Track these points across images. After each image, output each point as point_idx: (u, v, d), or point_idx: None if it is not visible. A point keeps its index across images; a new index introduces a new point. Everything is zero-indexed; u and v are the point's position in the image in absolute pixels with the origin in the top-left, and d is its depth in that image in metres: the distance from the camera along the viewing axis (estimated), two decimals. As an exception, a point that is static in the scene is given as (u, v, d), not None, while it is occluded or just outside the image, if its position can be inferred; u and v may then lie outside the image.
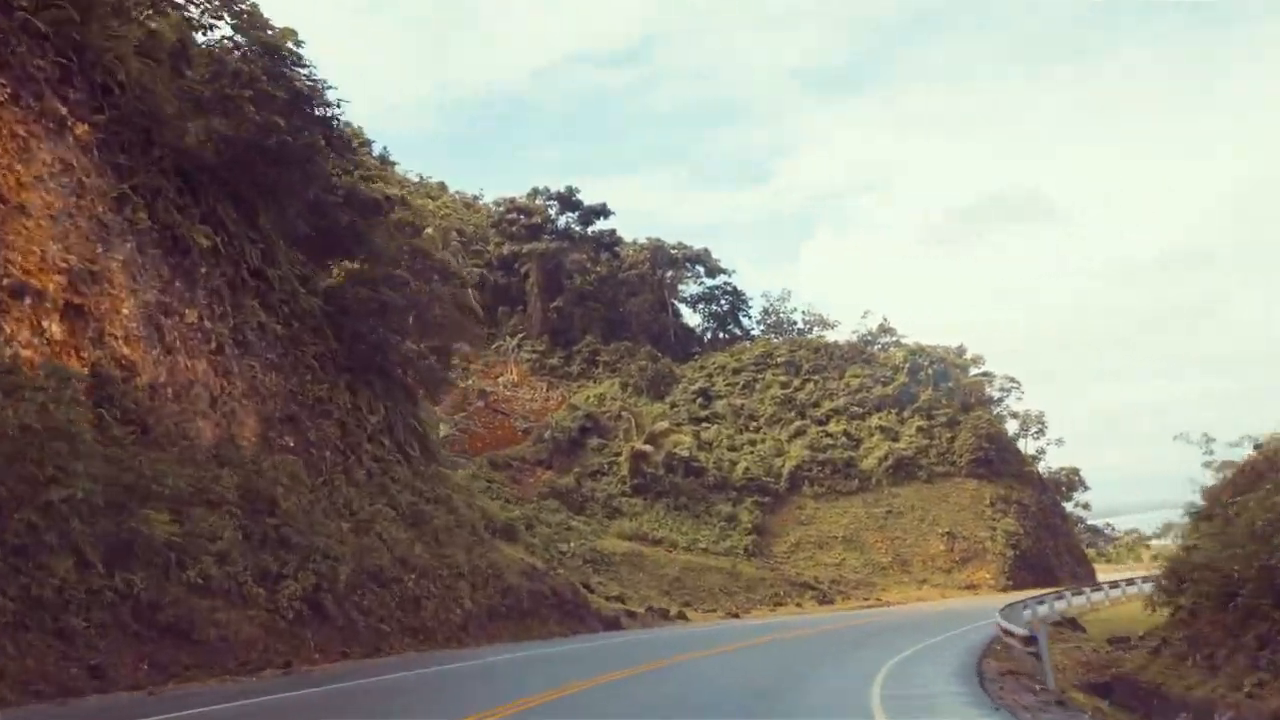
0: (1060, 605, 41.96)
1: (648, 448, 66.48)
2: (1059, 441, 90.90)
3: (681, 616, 44.98)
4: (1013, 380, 79.99)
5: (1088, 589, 50.85)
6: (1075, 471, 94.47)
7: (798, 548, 65.33)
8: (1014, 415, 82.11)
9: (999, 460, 72.66)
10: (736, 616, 47.86)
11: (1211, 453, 26.85)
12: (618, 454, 68.75)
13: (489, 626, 26.18)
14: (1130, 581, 51.25)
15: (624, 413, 71.96)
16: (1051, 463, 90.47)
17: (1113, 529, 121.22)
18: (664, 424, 68.56)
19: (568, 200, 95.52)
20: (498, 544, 33.21)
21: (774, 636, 27.71)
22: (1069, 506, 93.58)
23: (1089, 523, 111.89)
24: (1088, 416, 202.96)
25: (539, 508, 63.18)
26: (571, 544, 58.49)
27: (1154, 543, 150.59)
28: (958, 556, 64.13)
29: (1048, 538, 70.57)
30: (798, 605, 54.26)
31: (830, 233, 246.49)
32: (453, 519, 29.51)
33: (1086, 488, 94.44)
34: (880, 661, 18.82)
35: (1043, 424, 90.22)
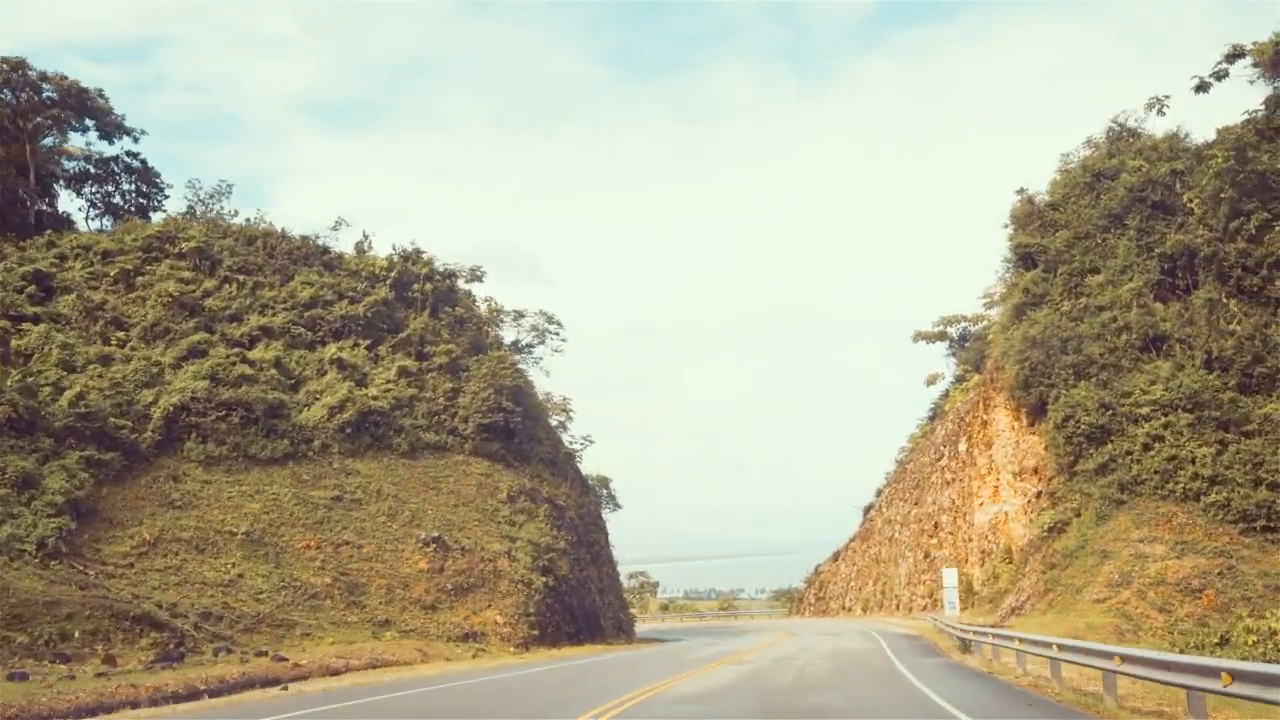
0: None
1: None
2: (588, 440, 70.48)
3: None
4: (552, 321, 57.97)
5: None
6: (607, 482, 74.89)
7: (155, 548, 37.40)
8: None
9: (525, 433, 50.06)
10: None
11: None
12: None
13: None
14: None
15: None
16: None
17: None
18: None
19: None
20: None
21: None
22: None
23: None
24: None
25: None
26: None
27: (663, 594, 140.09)
28: (450, 583, 39.80)
29: (590, 564, 48.78)
30: (118, 666, 26.61)
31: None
32: None
33: (619, 505, 75.19)
34: None
35: (568, 412, 69.72)
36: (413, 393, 47.78)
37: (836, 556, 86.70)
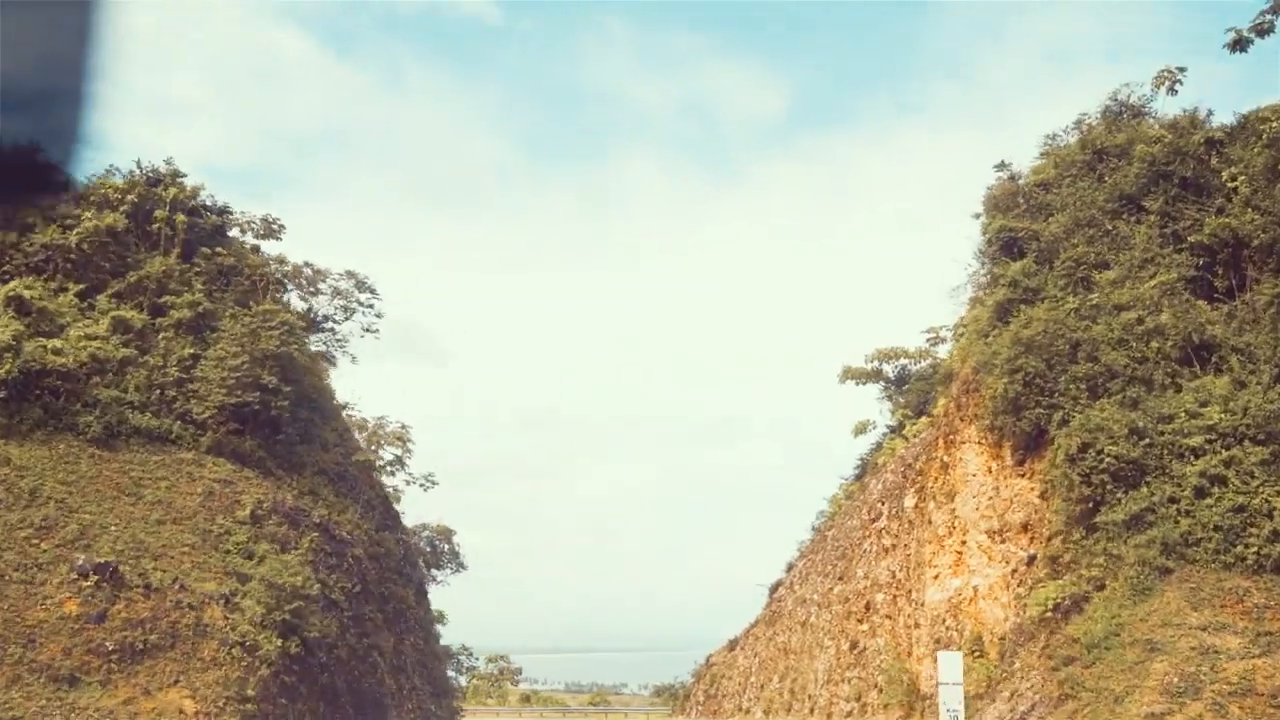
0: None
1: None
2: (429, 481, 55.62)
3: None
4: (364, 287, 43.41)
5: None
6: (449, 534, 59.97)
7: None
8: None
9: (301, 431, 35.42)
10: None
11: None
12: None
13: None
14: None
15: None
16: (408, 506, 54.69)
17: (471, 654, 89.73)
18: None
19: None
20: None
21: None
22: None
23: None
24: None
25: None
26: None
27: (526, 684, 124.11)
28: (115, 640, 24.84)
29: (381, 628, 33.91)
30: None
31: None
32: None
33: (462, 566, 60.27)
34: None
35: (406, 441, 55.15)
36: (127, 354, 32.78)
37: (734, 645, 72.38)
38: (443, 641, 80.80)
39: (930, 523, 43.76)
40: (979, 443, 40.22)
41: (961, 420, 42.21)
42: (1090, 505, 32.43)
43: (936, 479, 44.04)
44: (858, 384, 65.65)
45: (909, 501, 47.71)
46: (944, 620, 41.24)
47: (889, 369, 64.96)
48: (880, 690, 46.44)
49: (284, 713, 25.85)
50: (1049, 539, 34.63)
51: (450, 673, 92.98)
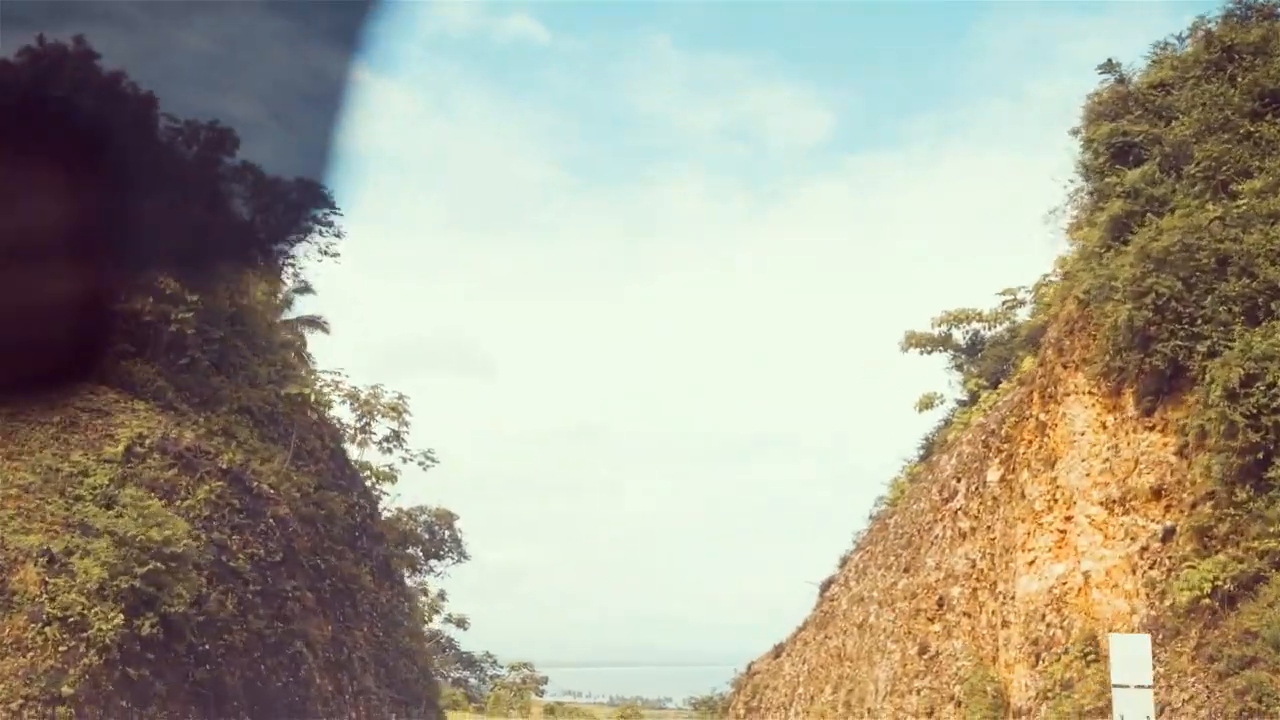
0: None
1: None
2: (428, 459, 47.79)
3: None
4: (320, 196, 35.67)
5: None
6: (450, 518, 52.28)
7: None
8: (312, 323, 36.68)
9: (212, 355, 27.73)
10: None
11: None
12: None
13: None
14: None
15: None
16: (406, 489, 46.96)
17: (495, 662, 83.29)
18: None
19: None
20: None
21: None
22: (424, 591, 51.76)
23: (457, 645, 71.73)
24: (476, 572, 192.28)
25: None
26: None
27: (551, 698, 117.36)
28: None
29: (315, 611, 26.30)
30: None
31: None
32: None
33: (465, 556, 52.56)
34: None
35: (402, 414, 47.43)
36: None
37: (779, 651, 64.27)
38: (465, 648, 73.02)
39: (1023, 497, 35.49)
40: (1089, 392, 31.94)
41: (1064, 368, 33.93)
42: (1260, 456, 24.12)
43: (1030, 443, 35.75)
44: (922, 352, 57.21)
45: (993, 474, 39.46)
46: (1043, 615, 32.99)
47: (959, 334, 56.55)
48: (958, 703, 38.35)
49: (124, 719, 18.19)
50: (1193, 505, 26.30)
51: (473, 680, 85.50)
